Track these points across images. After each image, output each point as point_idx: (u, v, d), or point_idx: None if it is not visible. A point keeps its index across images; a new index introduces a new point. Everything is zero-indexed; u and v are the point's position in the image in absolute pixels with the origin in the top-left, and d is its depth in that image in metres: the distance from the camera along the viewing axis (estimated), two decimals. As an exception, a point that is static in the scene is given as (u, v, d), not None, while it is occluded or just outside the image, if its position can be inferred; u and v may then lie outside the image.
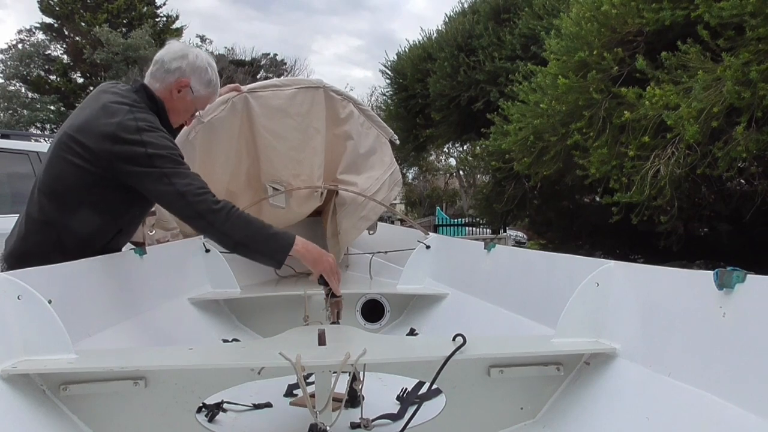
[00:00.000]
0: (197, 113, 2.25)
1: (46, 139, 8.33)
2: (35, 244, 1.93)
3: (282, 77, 24.87)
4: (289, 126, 2.87)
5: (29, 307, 1.34)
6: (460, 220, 21.51)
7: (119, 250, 2.07)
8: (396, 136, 3.30)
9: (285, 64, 25.47)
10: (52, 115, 20.55)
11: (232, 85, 2.83)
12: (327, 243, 3.25)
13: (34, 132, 18.40)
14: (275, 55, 25.18)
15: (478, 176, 22.20)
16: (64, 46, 23.08)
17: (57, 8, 21.89)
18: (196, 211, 1.80)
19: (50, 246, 1.91)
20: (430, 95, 11.71)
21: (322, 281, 2.36)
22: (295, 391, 1.83)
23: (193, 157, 2.62)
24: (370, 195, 3.08)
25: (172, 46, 2.11)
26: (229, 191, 2.94)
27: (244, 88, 2.80)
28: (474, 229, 19.09)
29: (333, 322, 2.15)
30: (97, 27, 20.41)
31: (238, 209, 1.84)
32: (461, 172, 26.34)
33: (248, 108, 2.77)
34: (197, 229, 1.96)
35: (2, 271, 1.72)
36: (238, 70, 22.10)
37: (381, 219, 3.48)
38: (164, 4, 23.64)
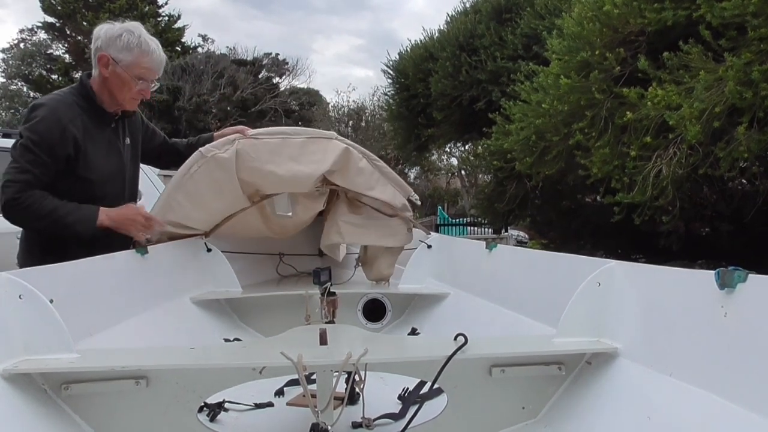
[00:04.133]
0: (152, 84, 2.24)
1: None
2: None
3: (283, 78, 24.96)
4: (297, 171, 2.71)
5: (31, 306, 1.34)
6: (461, 219, 21.48)
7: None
8: (416, 196, 3.04)
9: (287, 63, 25.44)
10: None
11: (237, 127, 2.72)
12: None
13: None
14: (277, 54, 25.17)
15: (480, 176, 22.19)
16: (66, 45, 23.11)
17: (59, 7, 21.90)
18: None
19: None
20: (432, 95, 11.69)
21: (318, 281, 2.36)
22: (285, 389, 1.82)
23: (191, 189, 2.56)
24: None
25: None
26: (232, 214, 2.84)
27: (250, 132, 2.67)
28: (475, 228, 19.07)
29: (328, 321, 2.15)
30: (99, 26, 20.42)
31: (38, 202, 2.00)
32: (463, 172, 26.31)
33: (256, 151, 2.64)
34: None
35: None
36: (240, 69, 22.07)
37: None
38: (166, 3, 23.66)
